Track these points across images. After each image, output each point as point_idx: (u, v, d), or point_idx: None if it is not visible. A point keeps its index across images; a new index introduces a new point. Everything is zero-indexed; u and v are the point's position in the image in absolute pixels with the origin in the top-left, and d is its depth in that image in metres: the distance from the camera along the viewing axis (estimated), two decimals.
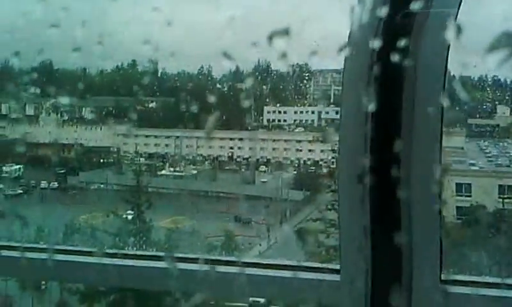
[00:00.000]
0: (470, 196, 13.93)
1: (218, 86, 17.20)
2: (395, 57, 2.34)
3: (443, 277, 2.50)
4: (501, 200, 14.08)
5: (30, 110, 16.83)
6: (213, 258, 2.80)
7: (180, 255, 2.88)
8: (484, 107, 15.22)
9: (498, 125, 15.57)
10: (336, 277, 2.64)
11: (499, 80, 14.47)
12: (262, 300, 14.79)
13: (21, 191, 15.93)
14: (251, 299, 14.76)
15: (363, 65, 2.44)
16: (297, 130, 16.26)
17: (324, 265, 2.75)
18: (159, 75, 16.85)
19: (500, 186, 14.20)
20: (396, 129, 2.35)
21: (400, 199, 2.35)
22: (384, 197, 2.37)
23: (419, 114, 2.36)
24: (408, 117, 2.34)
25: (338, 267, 2.67)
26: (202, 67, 16.38)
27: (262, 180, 16.25)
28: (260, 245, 14.99)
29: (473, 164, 15.13)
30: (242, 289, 2.69)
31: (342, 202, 2.52)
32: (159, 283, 3.17)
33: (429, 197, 2.38)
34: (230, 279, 2.69)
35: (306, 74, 16.54)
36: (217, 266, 2.72)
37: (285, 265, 2.76)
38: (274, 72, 16.68)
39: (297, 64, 16.10)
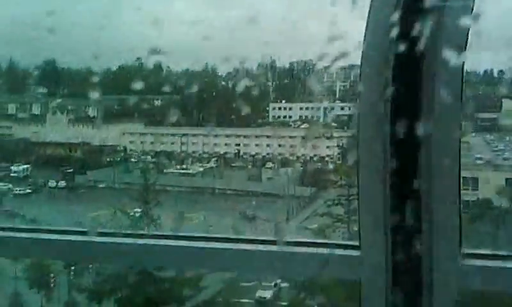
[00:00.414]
0: (476, 190, 13.94)
1: (223, 83, 17.22)
2: (414, 40, 2.39)
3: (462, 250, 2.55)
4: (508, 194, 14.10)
5: (36, 110, 16.88)
6: (235, 237, 2.84)
7: (204, 235, 2.93)
8: (490, 101, 15.23)
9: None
10: (356, 253, 2.69)
11: (505, 74, 14.47)
12: (268, 295, 14.84)
13: (29, 190, 15.90)
14: (257, 294, 14.89)
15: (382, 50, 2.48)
16: (303, 126, 16.28)
17: (343, 242, 2.80)
18: (164, 73, 16.89)
19: (506, 180, 14.23)
20: (416, 104, 2.39)
21: (420, 172, 2.40)
22: (404, 170, 2.42)
23: (439, 95, 2.40)
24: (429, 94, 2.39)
25: (357, 243, 2.72)
26: (207, 65, 16.39)
27: (268, 176, 16.28)
28: None
29: (479, 158, 15.14)
30: (262, 265, 2.75)
31: (362, 179, 2.56)
32: (174, 262, 3.22)
33: (450, 170, 2.43)
34: (250, 256, 2.74)
35: (311, 70, 16.54)
36: (239, 243, 2.77)
37: (305, 242, 2.81)
38: (279, 69, 16.69)
39: (302, 60, 16.13)
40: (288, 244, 2.81)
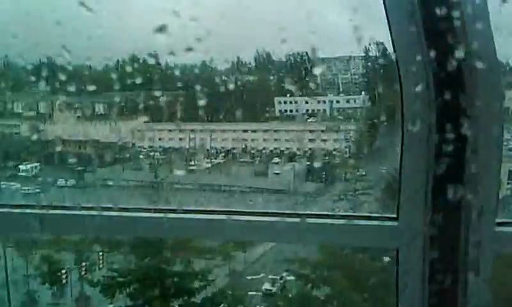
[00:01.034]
0: None
1: (224, 78, 17.11)
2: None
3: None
4: None
5: (41, 108, 16.77)
6: (274, 211, 2.98)
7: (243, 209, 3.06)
8: None
9: (508, 108, 15.60)
10: (394, 223, 2.83)
11: (508, 63, 14.49)
12: (274, 289, 14.98)
13: (38, 190, 15.66)
14: (263, 287, 15.04)
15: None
16: (309, 120, 16.27)
17: (380, 214, 2.94)
18: (163, 69, 16.68)
19: (510, 171, 14.23)
20: (459, 81, 2.52)
21: (464, 145, 2.54)
22: (448, 143, 2.56)
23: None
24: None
25: (394, 215, 2.86)
26: (204, 60, 16.26)
27: (276, 171, 16.28)
28: None
29: None
30: (305, 236, 2.89)
31: (406, 149, 2.69)
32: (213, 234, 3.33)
33: (492, 145, 2.57)
34: (294, 227, 2.88)
35: (309, 63, 16.40)
36: (282, 217, 2.91)
37: (343, 215, 2.95)
38: (277, 62, 16.56)
39: (297, 53, 16.01)
40: (327, 216, 2.96)
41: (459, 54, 2.53)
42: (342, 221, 2.92)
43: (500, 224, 2.76)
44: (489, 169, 2.64)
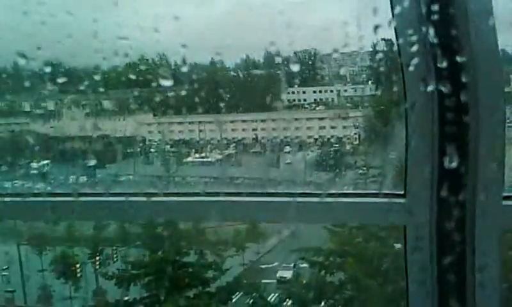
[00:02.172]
0: None
1: (233, 73, 17.22)
2: None
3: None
4: None
5: (51, 106, 16.80)
6: (285, 191, 3.03)
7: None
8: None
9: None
10: (401, 200, 2.86)
11: (508, 52, 14.45)
12: (288, 275, 15.05)
13: (50, 189, 15.72)
14: (278, 274, 15.13)
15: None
16: (318, 108, 16.35)
17: (388, 191, 2.97)
18: (172, 67, 16.70)
19: None
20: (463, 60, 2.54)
21: (468, 120, 2.56)
22: (453, 119, 2.58)
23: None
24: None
25: (402, 192, 2.89)
26: (213, 58, 16.37)
27: (287, 161, 16.24)
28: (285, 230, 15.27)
29: None
30: (315, 215, 2.93)
31: (411, 126, 2.71)
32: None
33: (496, 117, 2.58)
34: (305, 207, 2.92)
35: (316, 58, 16.52)
36: (293, 197, 2.95)
37: (351, 193, 2.99)
38: (285, 58, 16.60)
39: (305, 49, 16.16)
40: (334, 195, 3.00)
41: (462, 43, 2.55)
42: (350, 199, 2.96)
43: (506, 198, 2.78)
44: (494, 143, 2.66)
